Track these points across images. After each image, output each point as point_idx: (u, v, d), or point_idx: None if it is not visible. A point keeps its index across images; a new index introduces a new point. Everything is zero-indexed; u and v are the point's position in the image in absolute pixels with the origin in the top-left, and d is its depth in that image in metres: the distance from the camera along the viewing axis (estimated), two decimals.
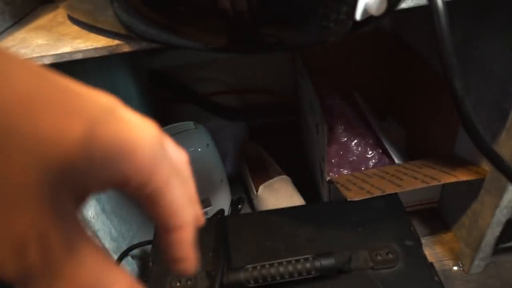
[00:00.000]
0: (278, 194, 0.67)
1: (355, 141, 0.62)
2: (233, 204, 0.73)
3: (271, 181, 0.69)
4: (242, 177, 0.78)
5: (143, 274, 0.54)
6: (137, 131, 0.14)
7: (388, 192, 0.50)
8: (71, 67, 0.32)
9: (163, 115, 0.81)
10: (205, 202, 0.66)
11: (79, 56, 0.29)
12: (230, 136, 0.80)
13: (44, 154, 0.11)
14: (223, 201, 0.69)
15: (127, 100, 0.56)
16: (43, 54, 0.29)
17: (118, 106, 0.14)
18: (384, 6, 0.22)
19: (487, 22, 0.45)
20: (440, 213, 0.69)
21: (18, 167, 0.11)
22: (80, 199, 0.13)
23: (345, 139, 0.62)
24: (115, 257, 0.47)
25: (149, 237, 0.52)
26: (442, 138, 0.62)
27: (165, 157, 0.16)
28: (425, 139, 0.68)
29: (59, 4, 0.40)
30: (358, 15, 0.22)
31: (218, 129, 0.76)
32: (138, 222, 0.59)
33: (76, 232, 0.13)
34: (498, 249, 0.57)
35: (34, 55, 0.29)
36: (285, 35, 0.25)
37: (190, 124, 0.63)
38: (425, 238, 0.65)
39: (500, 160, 0.32)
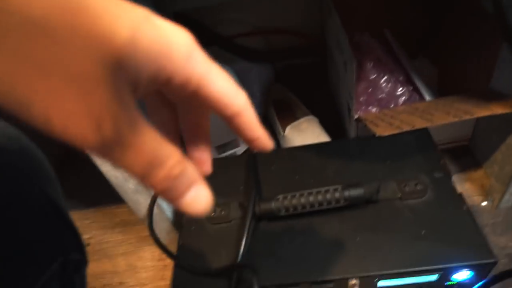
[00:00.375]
0: (305, 134, 0.67)
1: (385, 78, 0.60)
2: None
3: (298, 121, 0.70)
4: (269, 120, 0.78)
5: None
6: (172, 34, 0.16)
7: (418, 126, 0.50)
8: None
9: None
10: (233, 143, 0.68)
11: None
12: (255, 79, 0.79)
13: (101, 47, 0.13)
14: None
15: None
16: None
17: (152, 15, 0.16)
18: None
19: None
20: (472, 151, 0.67)
21: (84, 59, 0.13)
22: (134, 90, 0.15)
23: (374, 76, 0.61)
24: (148, 201, 0.50)
25: None
26: (477, 74, 0.59)
27: (200, 55, 0.18)
28: (459, 77, 0.65)
29: None
30: None
31: (243, 72, 0.75)
32: None
33: (137, 115, 0.15)
34: None
35: None
36: None
37: None
38: (455, 175, 0.65)
39: None
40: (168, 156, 0.16)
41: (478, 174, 0.65)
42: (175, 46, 0.16)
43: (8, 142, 0.27)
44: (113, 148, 0.14)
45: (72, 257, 0.31)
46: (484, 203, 0.61)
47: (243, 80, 0.65)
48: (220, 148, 0.67)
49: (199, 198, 0.18)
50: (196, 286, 0.40)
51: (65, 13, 0.13)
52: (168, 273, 0.63)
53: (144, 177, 0.16)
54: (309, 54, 0.82)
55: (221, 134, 0.66)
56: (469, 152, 0.68)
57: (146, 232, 0.68)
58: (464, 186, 0.64)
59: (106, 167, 0.45)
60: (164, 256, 0.65)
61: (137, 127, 0.15)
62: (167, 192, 0.17)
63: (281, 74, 0.84)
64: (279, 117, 0.74)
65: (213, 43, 0.76)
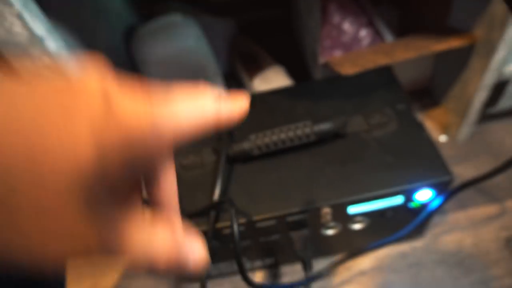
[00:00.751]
0: (273, 84, 0.68)
1: (348, 21, 0.61)
2: None
3: (264, 72, 0.70)
4: (236, 73, 0.78)
5: None
6: (134, 120, 0.14)
7: (381, 64, 0.51)
8: None
9: (148, 14, 0.77)
10: None
11: None
12: (219, 33, 0.77)
13: (67, 178, 0.13)
14: None
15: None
16: None
17: (109, 93, 0.14)
18: None
19: None
20: (431, 91, 0.71)
21: (53, 193, 0.13)
22: (117, 192, 0.15)
23: (338, 19, 0.61)
24: None
25: None
26: (435, 13, 0.61)
27: (163, 138, 0.15)
28: (418, 17, 0.67)
29: None
30: None
31: (206, 26, 0.73)
32: None
33: (121, 217, 0.15)
34: (484, 115, 0.60)
35: None
36: None
37: (178, 17, 0.61)
38: (416, 114, 0.68)
39: None
40: (161, 251, 0.16)
41: (438, 111, 0.68)
42: (140, 135, 0.14)
43: None
44: (108, 255, 0.15)
45: None
46: (444, 138, 0.65)
47: (207, 35, 0.63)
48: None
49: (198, 258, 0.18)
50: None
51: (23, 161, 0.12)
52: None
53: (147, 271, 0.17)
54: (273, 4, 0.81)
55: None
56: (429, 91, 0.71)
57: None
58: (426, 123, 0.67)
59: None
60: None
61: (122, 234, 0.15)
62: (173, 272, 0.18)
63: (245, 26, 0.83)
64: (246, 69, 0.74)
65: None
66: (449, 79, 0.62)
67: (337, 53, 0.62)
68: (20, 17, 0.33)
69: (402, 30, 0.71)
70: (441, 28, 0.59)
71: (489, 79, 0.52)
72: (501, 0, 0.27)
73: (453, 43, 0.52)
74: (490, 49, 0.48)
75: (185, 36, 0.60)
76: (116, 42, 0.60)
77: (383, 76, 0.51)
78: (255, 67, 0.74)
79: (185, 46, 0.60)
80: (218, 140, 0.46)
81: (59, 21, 0.41)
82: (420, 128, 0.44)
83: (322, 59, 0.61)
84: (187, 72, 0.63)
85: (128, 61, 0.61)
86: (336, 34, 0.61)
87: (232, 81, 0.78)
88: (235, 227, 0.33)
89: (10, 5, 0.32)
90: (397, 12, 0.73)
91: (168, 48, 0.59)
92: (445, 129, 0.66)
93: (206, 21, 0.74)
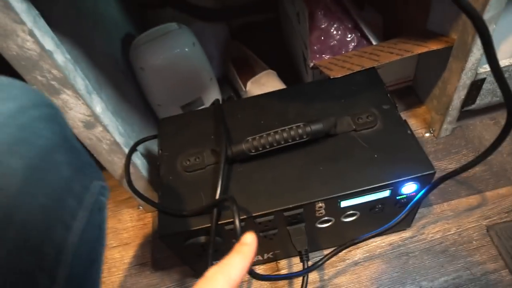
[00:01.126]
0: (266, 87, 0.71)
1: (335, 26, 0.64)
2: (223, 101, 0.77)
3: (257, 76, 0.73)
4: (229, 77, 0.81)
5: (153, 164, 0.60)
6: None
7: (366, 67, 0.55)
8: None
9: (143, 22, 0.80)
10: (198, 101, 0.70)
11: None
12: (212, 38, 0.80)
13: None
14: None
15: (107, 8, 0.57)
16: None
17: None
18: None
19: None
20: (414, 90, 0.75)
21: None
22: None
23: (325, 24, 0.64)
24: (126, 150, 0.52)
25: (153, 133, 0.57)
26: (415, 18, 0.65)
27: None
28: (400, 21, 0.71)
29: None
30: None
31: (199, 32, 0.76)
32: (140, 125, 0.63)
33: None
34: (463, 113, 0.64)
35: None
36: None
37: (173, 25, 0.64)
38: (401, 113, 0.72)
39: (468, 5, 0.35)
40: None
41: (421, 110, 0.72)
42: None
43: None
44: None
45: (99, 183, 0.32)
46: (427, 134, 0.69)
47: (200, 41, 0.66)
48: (185, 107, 0.69)
49: None
50: (181, 228, 0.44)
51: None
52: (148, 231, 0.66)
53: None
54: (262, 10, 0.84)
55: (184, 93, 0.68)
56: (412, 91, 0.75)
57: (124, 196, 0.70)
58: (410, 121, 0.71)
59: (78, 130, 0.46)
60: (142, 215, 0.68)
61: None
62: None
63: (237, 31, 0.86)
64: (239, 73, 0.77)
65: (167, 4, 0.76)
66: (431, 79, 0.66)
67: (326, 57, 0.66)
68: (31, 34, 0.36)
69: (386, 34, 0.75)
70: (421, 32, 0.63)
71: (466, 79, 0.56)
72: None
73: (432, 46, 0.55)
74: (466, 51, 0.52)
75: (181, 43, 0.62)
76: (114, 50, 0.62)
77: (369, 78, 0.54)
78: (248, 71, 0.77)
79: (181, 54, 0.63)
80: (217, 143, 0.49)
81: (63, 34, 0.44)
82: (404, 126, 0.48)
83: (311, 63, 0.64)
84: (183, 78, 0.65)
85: (126, 68, 0.64)
86: (324, 39, 0.65)
87: (226, 84, 0.81)
88: (237, 222, 0.36)
89: (22, 23, 0.35)
90: (381, 16, 0.77)
91: (165, 55, 0.61)
92: (428, 126, 0.70)
93: (199, 27, 0.77)
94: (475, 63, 0.53)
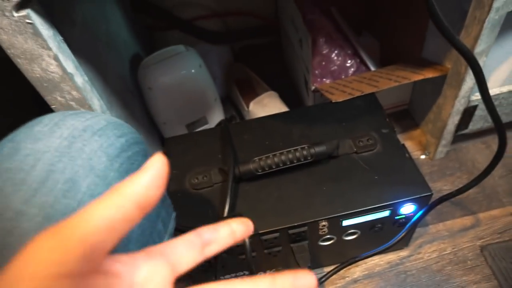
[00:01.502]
0: (268, 108, 0.74)
1: (335, 52, 0.68)
2: (227, 121, 0.79)
3: (259, 97, 0.75)
4: (232, 98, 0.83)
5: None
6: None
7: (366, 92, 0.58)
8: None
9: (150, 43, 0.83)
10: (202, 120, 0.72)
11: None
12: (216, 60, 0.83)
13: None
14: (217, 119, 0.75)
15: (117, 29, 0.61)
16: None
17: None
18: None
19: None
20: (411, 114, 0.78)
21: None
22: None
23: (327, 50, 0.68)
24: None
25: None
26: (411, 44, 0.68)
27: None
28: (397, 48, 0.75)
29: None
30: None
31: (205, 54, 0.79)
32: (146, 143, 0.65)
33: None
34: (457, 136, 0.67)
35: None
36: None
37: (181, 47, 0.66)
38: (398, 135, 0.75)
39: (463, 47, 0.39)
40: None
41: (417, 132, 0.75)
42: None
43: None
44: None
45: None
46: (423, 156, 0.72)
47: (204, 62, 0.69)
48: (190, 126, 0.71)
49: None
50: None
51: None
52: None
53: None
54: (265, 33, 0.87)
55: (189, 112, 0.70)
56: (408, 114, 0.78)
57: None
58: (406, 143, 0.74)
59: None
60: None
61: None
62: None
63: (240, 53, 0.89)
64: (242, 94, 0.80)
65: (174, 27, 0.79)
66: (426, 104, 0.69)
67: (327, 81, 0.69)
68: (56, 58, 0.38)
69: (383, 59, 0.78)
70: (417, 59, 0.67)
71: (459, 106, 0.59)
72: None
73: (428, 74, 0.59)
74: (459, 80, 0.55)
75: (188, 65, 0.65)
76: (124, 71, 0.64)
77: (368, 103, 0.57)
78: (251, 92, 0.79)
79: (187, 75, 0.65)
80: (224, 162, 0.51)
81: (80, 56, 0.46)
82: (402, 149, 0.51)
83: (313, 86, 0.67)
84: (189, 98, 0.68)
85: (135, 88, 0.66)
86: (325, 64, 0.68)
87: (229, 104, 0.84)
88: (247, 240, 0.38)
89: (49, 48, 0.37)
90: (378, 42, 0.81)
91: (173, 76, 0.64)
92: (424, 149, 0.72)
93: (204, 48, 0.80)
94: (468, 91, 0.57)
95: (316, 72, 0.68)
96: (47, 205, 0.23)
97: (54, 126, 0.27)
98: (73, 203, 0.24)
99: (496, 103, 0.63)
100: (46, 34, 0.37)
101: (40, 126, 0.27)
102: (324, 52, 0.68)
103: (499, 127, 0.41)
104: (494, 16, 0.47)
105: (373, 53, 0.77)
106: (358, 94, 0.58)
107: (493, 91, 0.61)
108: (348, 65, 0.68)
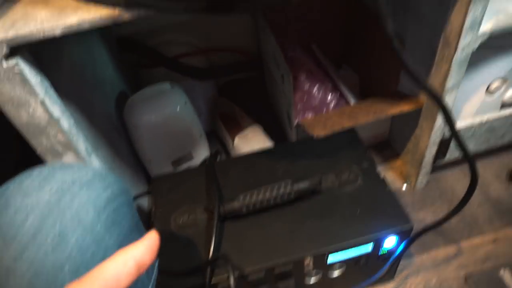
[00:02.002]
0: (252, 142, 0.75)
1: (316, 87, 0.71)
2: (212, 156, 0.80)
3: (244, 132, 0.77)
4: (218, 132, 0.84)
5: (144, 221, 0.61)
6: None
7: (347, 126, 0.60)
8: (57, 42, 0.36)
9: (136, 80, 0.84)
10: (187, 156, 0.73)
11: (86, 26, 0.33)
12: (201, 95, 0.85)
13: None
14: (203, 155, 0.76)
15: (104, 68, 0.62)
16: (53, 26, 0.33)
17: None
18: None
19: None
20: (390, 145, 0.80)
21: None
22: None
23: (308, 86, 0.70)
24: None
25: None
26: (388, 78, 0.72)
27: None
28: (374, 81, 0.78)
29: None
30: None
31: (190, 89, 0.80)
32: (131, 181, 0.65)
33: None
34: (435, 166, 0.69)
35: (45, 27, 0.33)
36: None
37: (166, 85, 0.68)
38: (379, 166, 0.77)
39: (431, 90, 0.41)
40: None
41: (398, 163, 0.78)
42: None
43: None
44: None
45: None
46: (405, 185, 0.74)
47: (189, 97, 0.70)
48: (175, 162, 0.72)
49: None
50: (175, 287, 0.45)
51: None
52: None
53: None
54: (248, 69, 0.90)
55: (175, 149, 0.71)
56: (389, 144, 0.81)
57: None
58: (387, 174, 0.76)
59: None
60: None
61: None
62: None
63: (224, 88, 0.91)
64: (227, 128, 0.81)
65: (159, 64, 0.81)
66: (405, 135, 0.72)
67: (308, 115, 0.71)
68: (42, 103, 0.39)
69: (362, 91, 0.82)
70: (394, 92, 0.70)
71: (435, 137, 0.62)
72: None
73: (404, 108, 0.62)
74: (433, 113, 0.58)
75: (174, 103, 0.66)
76: (110, 109, 0.65)
77: (349, 138, 0.59)
78: (235, 127, 0.81)
79: (172, 113, 0.66)
80: (209, 200, 0.52)
81: (67, 99, 0.47)
82: (383, 183, 0.52)
83: (295, 121, 0.69)
84: (175, 135, 0.69)
85: (121, 126, 0.67)
86: (306, 99, 0.70)
87: (214, 138, 0.85)
88: (232, 282, 0.38)
89: (36, 94, 0.38)
90: (357, 76, 0.84)
91: (159, 114, 0.65)
92: (405, 179, 0.74)
93: (190, 85, 0.82)
94: (443, 123, 0.59)
95: (298, 107, 0.70)
96: (37, 260, 0.24)
97: (43, 181, 0.28)
98: (62, 257, 0.25)
99: (469, 133, 0.66)
100: (34, 81, 0.38)
101: (29, 180, 0.28)
102: (306, 88, 0.71)
103: (469, 160, 0.43)
104: (461, 55, 0.50)
105: (353, 85, 0.80)
106: (338, 128, 0.60)
107: (466, 121, 0.64)
108: (328, 100, 0.70)
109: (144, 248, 0.25)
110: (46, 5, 0.36)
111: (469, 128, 0.64)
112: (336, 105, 0.71)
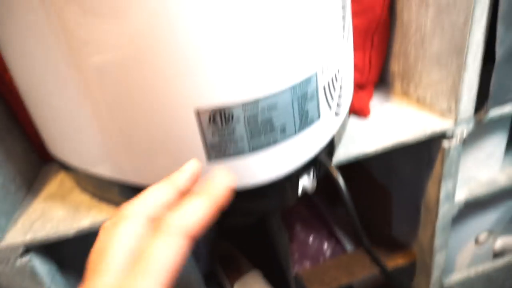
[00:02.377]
0: None
1: (312, 236, 0.73)
2: None
3: (243, 278, 0.77)
4: (217, 275, 0.84)
5: None
6: None
7: (344, 282, 0.60)
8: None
9: None
10: None
11: (97, 227, 0.38)
12: (201, 238, 0.87)
13: None
14: None
15: None
16: (68, 228, 0.37)
17: None
18: (314, 186, 0.35)
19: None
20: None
21: None
22: None
23: (303, 236, 0.73)
24: None
25: None
26: (380, 223, 0.75)
27: None
28: (367, 223, 0.81)
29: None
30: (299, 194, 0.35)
31: None
32: None
33: None
34: None
35: (60, 231, 0.37)
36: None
37: None
38: None
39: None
40: None
41: None
42: None
43: None
44: None
45: None
46: None
47: None
48: None
49: None
50: None
51: None
52: None
53: None
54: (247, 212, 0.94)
55: None
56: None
57: None
58: None
59: None
60: None
61: None
62: None
63: (224, 231, 0.93)
64: (226, 273, 0.81)
65: None
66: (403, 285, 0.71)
67: (306, 264, 0.72)
68: None
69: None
70: (387, 237, 0.72)
71: None
72: None
73: (399, 261, 0.63)
74: (427, 269, 0.59)
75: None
76: None
77: None
78: (235, 271, 0.81)
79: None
80: None
81: (72, 274, 0.49)
82: None
83: (293, 271, 0.70)
84: None
85: None
86: (303, 249, 0.72)
87: (213, 282, 0.84)
88: None
89: (43, 284, 0.40)
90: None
91: None
92: None
93: None
94: (439, 277, 0.60)
95: (295, 256, 0.72)
96: None
97: None
98: None
99: (468, 285, 0.65)
100: (43, 271, 0.40)
101: None
102: (301, 237, 0.73)
103: None
104: (442, 221, 0.54)
105: (348, 225, 0.83)
106: (335, 285, 0.60)
107: (462, 274, 0.64)
108: (324, 249, 0.72)
109: (186, 173, 0.27)
110: (63, 201, 0.41)
111: (467, 280, 0.64)
112: (332, 254, 0.73)
